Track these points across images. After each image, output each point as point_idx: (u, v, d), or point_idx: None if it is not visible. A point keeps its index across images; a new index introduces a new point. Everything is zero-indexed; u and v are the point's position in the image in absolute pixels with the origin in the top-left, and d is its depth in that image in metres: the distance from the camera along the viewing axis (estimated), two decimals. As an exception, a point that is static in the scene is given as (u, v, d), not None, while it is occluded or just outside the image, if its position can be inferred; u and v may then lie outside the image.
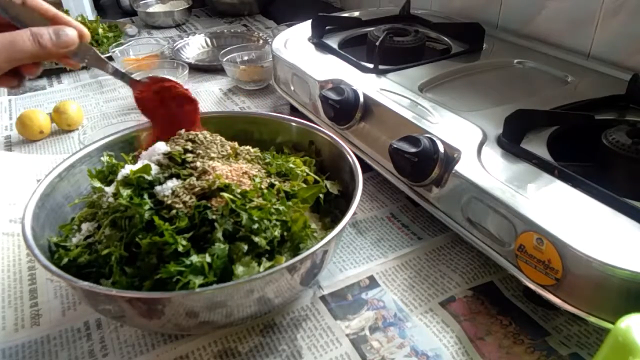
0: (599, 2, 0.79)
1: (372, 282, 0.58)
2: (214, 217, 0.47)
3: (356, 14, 1.01)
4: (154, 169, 0.51)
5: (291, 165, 0.57)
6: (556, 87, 0.72)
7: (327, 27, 0.92)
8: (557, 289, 0.45)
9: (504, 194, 0.50)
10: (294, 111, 0.91)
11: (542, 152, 0.55)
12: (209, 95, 1.03)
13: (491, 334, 0.51)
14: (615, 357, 0.33)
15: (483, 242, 0.53)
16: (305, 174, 0.58)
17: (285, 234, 0.49)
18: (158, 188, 0.49)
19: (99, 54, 0.51)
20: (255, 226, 0.47)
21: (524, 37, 0.90)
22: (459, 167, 0.55)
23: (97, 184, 0.52)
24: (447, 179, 0.56)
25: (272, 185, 0.53)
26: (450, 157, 0.56)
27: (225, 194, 0.48)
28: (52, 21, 0.45)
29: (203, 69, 1.14)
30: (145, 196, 0.49)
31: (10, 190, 0.74)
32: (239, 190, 0.49)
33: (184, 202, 0.48)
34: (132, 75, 0.60)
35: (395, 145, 0.58)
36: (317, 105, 0.77)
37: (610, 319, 0.43)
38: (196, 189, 0.49)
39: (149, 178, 0.50)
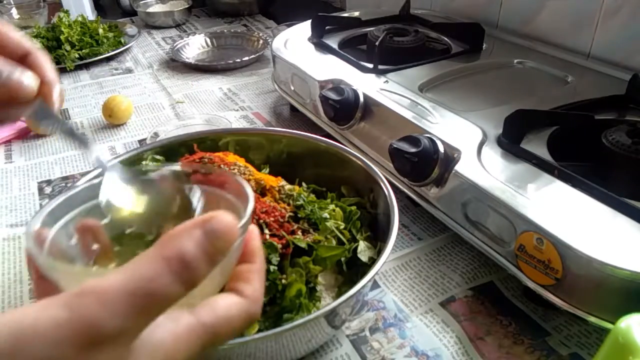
0: (599, 2, 0.79)
1: (372, 283, 0.57)
2: None
3: (356, 13, 1.01)
4: None
5: (325, 215, 0.48)
6: (556, 87, 0.72)
7: (327, 27, 0.92)
8: (557, 289, 0.45)
9: (504, 194, 0.50)
10: (294, 111, 0.91)
11: (542, 152, 0.55)
12: (209, 95, 1.03)
13: (491, 334, 0.51)
14: (615, 357, 0.33)
15: (483, 242, 0.53)
16: (339, 230, 0.49)
17: (277, 294, 0.43)
18: None
19: (76, 131, 0.36)
20: None
21: (524, 37, 0.90)
22: (459, 167, 0.55)
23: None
24: (447, 179, 0.56)
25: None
26: (450, 157, 0.56)
27: None
28: (23, 60, 0.35)
29: (203, 69, 1.14)
30: None
31: (10, 196, 0.74)
32: None
33: None
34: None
35: (395, 145, 0.58)
36: (317, 105, 0.77)
37: (610, 319, 0.43)
38: None
39: None
